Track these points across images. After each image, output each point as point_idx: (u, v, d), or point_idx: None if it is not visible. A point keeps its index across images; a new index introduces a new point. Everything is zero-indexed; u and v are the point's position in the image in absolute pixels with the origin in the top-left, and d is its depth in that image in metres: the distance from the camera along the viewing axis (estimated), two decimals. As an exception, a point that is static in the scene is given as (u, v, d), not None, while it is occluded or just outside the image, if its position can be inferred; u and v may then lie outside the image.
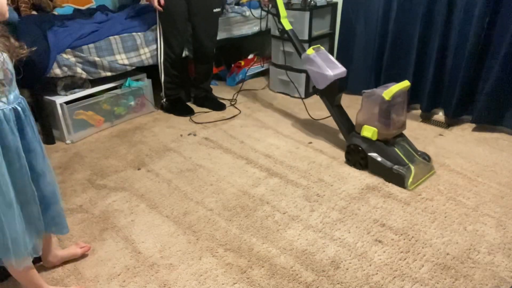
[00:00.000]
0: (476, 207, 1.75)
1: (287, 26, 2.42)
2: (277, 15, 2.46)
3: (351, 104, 2.91)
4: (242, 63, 3.36)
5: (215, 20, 2.68)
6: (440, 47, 2.44)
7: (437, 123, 2.57)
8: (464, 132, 2.45)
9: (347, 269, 1.44)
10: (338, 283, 1.39)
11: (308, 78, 2.98)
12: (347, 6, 2.85)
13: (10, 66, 1.06)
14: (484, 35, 2.28)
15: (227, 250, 1.54)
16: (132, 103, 2.69)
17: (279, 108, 2.86)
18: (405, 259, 1.48)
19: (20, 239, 1.14)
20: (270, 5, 2.65)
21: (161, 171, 2.09)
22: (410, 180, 1.89)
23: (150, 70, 2.79)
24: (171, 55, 2.63)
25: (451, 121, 2.55)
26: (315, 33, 2.89)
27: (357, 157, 2.05)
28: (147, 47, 2.64)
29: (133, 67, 2.60)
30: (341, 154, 2.20)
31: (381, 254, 1.51)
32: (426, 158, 2.04)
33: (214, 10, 2.61)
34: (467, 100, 2.46)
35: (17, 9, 2.55)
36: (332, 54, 3.12)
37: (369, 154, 1.99)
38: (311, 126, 2.56)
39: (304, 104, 2.75)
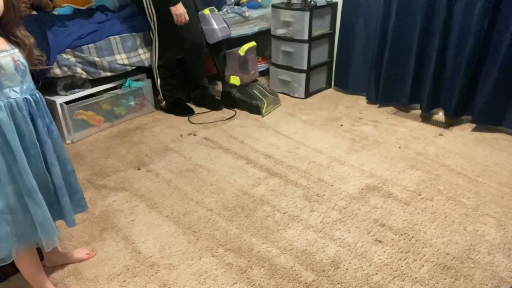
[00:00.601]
0: (476, 207, 1.75)
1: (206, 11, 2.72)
2: None
3: (351, 104, 2.92)
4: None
5: (196, 15, 2.68)
6: (440, 47, 2.44)
7: (437, 123, 2.57)
8: (464, 132, 2.45)
9: (347, 269, 1.44)
10: (338, 283, 1.39)
11: (308, 79, 2.99)
12: (347, 6, 2.85)
13: (21, 59, 1.12)
14: (484, 35, 2.28)
15: (227, 250, 1.54)
16: (132, 103, 2.69)
17: (279, 108, 2.86)
18: (405, 259, 1.48)
19: (47, 222, 1.18)
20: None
21: (161, 171, 2.09)
22: (264, 109, 2.71)
23: (150, 70, 2.79)
24: (166, 60, 2.64)
25: (451, 121, 2.55)
26: (315, 33, 2.89)
27: (228, 99, 2.83)
28: (147, 47, 2.64)
29: (133, 67, 2.60)
30: (341, 154, 2.20)
31: (381, 254, 1.51)
32: (275, 94, 2.91)
33: (191, 6, 2.62)
34: (467, 100, 2.46)
35: (17, 9, 2.55)
36: (332, 54, 3.12)
37: (236, 95, 2.79)
38: (311, 126, 2.56)
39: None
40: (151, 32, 2.59)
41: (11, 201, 1.11)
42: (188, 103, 2.90)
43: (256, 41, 2.90)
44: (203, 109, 2.84)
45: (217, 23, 2.65)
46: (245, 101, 2.73)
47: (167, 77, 2.72)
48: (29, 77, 1.15)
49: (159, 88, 2.76)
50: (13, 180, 1.11)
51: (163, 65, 2.66)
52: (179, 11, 2.40)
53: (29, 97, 1.14)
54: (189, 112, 2.78)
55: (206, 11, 2.64)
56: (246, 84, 2.77)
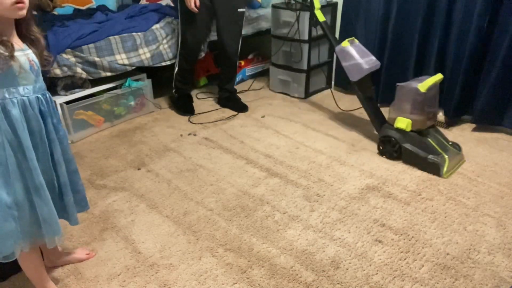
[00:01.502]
0: (476, 207, 1.75)
1: (321, 18, 2.46)
2: (311, 6, 2.51)
3: (351, 104, 2.91)
4: (242, 63, 3.36)
5: (240, 20, 2.67)
6: (440, 47, 2.44)
7: (437, 123, 2.57)
8: (464, 132, 2.45)
9: (347, 269, 1.44)
10: (338, 283, 1.39)
11: (308, 79, 2.99)
12: (347, 6, 2.85)
13: (35, 59, 1.14)
14: (484, 35, 2.28)
15: (227, 250, 1.54)
16: (132, 103, 2.69)
17: (279, 108, 2.86)
18: (405, 259, 1.48)
19: (53, 218, 1.20)
20: None
21: (161, 171, 2.09)
22: (445, 168, 1.97)
23: (150, 70, 2.79)
24: (184, 50, 2.66)
25: (451, 121, 2.55)
26: (315, 33, 2.89)
27: (390, 148, 2.12)
28: (147, 47, 2.64)
29: (133, 67, 2.60)
30: (341, 154, 2.20)
31: (381, 254, 1.51)
32: (457, 147, 2.13)
33: (239, 10, 2.61)
34: (467, 100, 2.46)
35: (17, 9, 2.55)
36: (332, 54, 3.12)
37: (403, 144, 2.06)
38: (311, 126, 2.56)
39: (333, 97, 2.74)
40: (179, 20, 2.63)
41: (19, 197, 1.13)
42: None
43: (256, 41, 2.89)
44: (203, 109, 2.84)
45: (360, 56, 2.22)
46: (417, 154, 2.02)
47: (184, 69, 2.73)
48: (41, 77, 1.18)
49: (174, 76, 2.78)
50: (22, 176, 1.13)
51: (183, 54, 2.68)
52: None
53: (40, 96, 1.16)
54: (189, 112, 2.79)
55: (345, 43, 2.25)
56: (420, 130, 2.05)
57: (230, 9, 2.57)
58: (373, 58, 2.24)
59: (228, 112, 2.80)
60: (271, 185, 1.94)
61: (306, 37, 2.84)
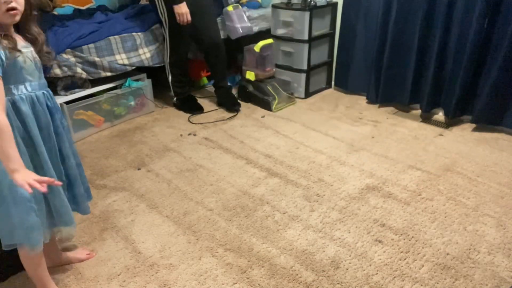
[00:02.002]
0: (476, 207, 1.75)
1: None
2: None
3: (351, 104, 2.92)
4: (242, 63, 3.36)
5: (214, 14, 2.71)
6: (440, 47, 2.44)
7: (437, 123, 2.57)
8: (464, 132, 2.45)
9: (347, 269, 1.44)
10: (338, 283, 1.39)
11: (308, 79, 2.99)
12: (347, 6, 2.85)
13: (36, 55, 1.17)
14: (484, 35, 2.28)
15: (227, 250, 1.54)
16: (132, 103, 2.69)
17: (279, 108, 2.86)
18: (405, 259, 1.48)
19: (65, 209, 1.23)
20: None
21: (161, 171, 2.09)
22: (274, 106, 2.78)
23: (150, 70, 2.79)
24: (177, 58, 2.66)
25: (451, 121, 2.55)
26: (315, 33, 2.89)
27: (244, 93, 2.92)
28: (147, 47, 2.64)
29: (133, 67, 2.60)
30: (341, 154, 2.20)
31: (381, 254, 1.51)
32: (290, 93, 2.95)
33: (209, 5, 2.63)
34: (467, 100, 2.46)
35: (17, 9, 2.55)
36: (332, 54, 3.12)
37: (249, 90, 2.89)
38: (311, 126, 2.56)
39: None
40: (163, 28, 2.60)
41: (35, 191, 1.13)
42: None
43: (256, 41, 2.90)
44: (209, 108, 2.84)
45: (238, 19, 2.82)
46: (257, 96, 2.83)
47: (178, 74, 2.74)
48: (43, 73, 1.21)
49: (170, 85, 2.79)
50: (36, 171, 1.14)
51: (174, 62, 2.68)
52: (181, 10, 2.40)
53: (46, 92, 1.20)
54: (198, 110, 2.80)
55: (230, 8, 2.81)
56: (261, 80, 2.85)
57: (208, 6, 2.60)
58: (247, 22, 2.89)
59: (227, 112, 2.80)
60: (271, 185, 1.94)
61: (306, 37, 2.84)
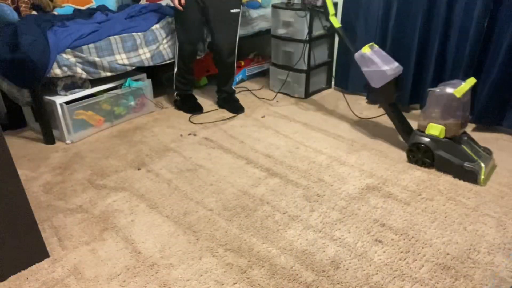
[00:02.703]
0: (476, 207, 1.75)
1: (336, 24, 2.40)
2: (325, 12, 2.45)
3: (351, 104, 2.92)
4: (242, 63, 3.36)
5: (234, 21, 2.63)
6: (440, 47, 2.44)
7: (437, 123, 2.57)
8: (464, 132, 2.45)
9: (347, 269, 1.44)
10: (338, 283, 1.38)
11: (308, 79, 2.99)
12: (347, 6, 2.85)
13: None
14: (484, 35, 2.28)
15: (227, 250, 1.54)
16: (132, 103, 2.69)
17: (279, 108, 2.86)
18: (405, 259, 1.48)
19: None
20: (315, 2, 2.68)
21: (161, 171, 2.09)
22: (482, 176, 1.91)
23: (150, 70, 2.79)
24: (181, 51, 2.67)
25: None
26: (315, 33, 2.89)
27: (421, 155, 2.06)
28: (147, 47, 2.64)
29: (133, 67, 2.60)
30: (341, 154, 2.20)
31: (381, 254, 1.51)
32: (488, 152, 2.07)
33: (232, 11, 2.58)
34: (467, 100, 2.46)
35: (17, 9, 2.55)
36: (332, 54, 3.12)
37: (436, 152, 2.00)
38: (311, 126, 2.56)
39: (346, 101, 2.74)
40: (174, 21, 2.65)
41: None
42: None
43: (256, 41, 2.88)
44: (209, 108, 2.84)
45: (382, 61, 2.15)
46: (451, 162, 1.97)
47: (183, 69, 2.74)
48: None
49: (174, 78, 2.80)
50: None
51: (181, 56, 2.69)
52: None
53: None
54: (198, 110, 2.81)
55: (365, 49, 2.19)
56: (452, 137, 1.99)
57: (222, 10, 2.56)
58: (396, 63, 2.17)
59: (228, 112, 2.80)
60: (271, 185, 1.94)
61: (306, 37, 2.84)
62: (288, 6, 2.88)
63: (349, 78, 3.04)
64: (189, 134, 2.49)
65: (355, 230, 1.63)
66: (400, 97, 2.19)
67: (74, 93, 2.41)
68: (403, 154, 2.19)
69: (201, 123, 2.64)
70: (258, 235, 1.62)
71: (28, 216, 1.42)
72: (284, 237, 1.61)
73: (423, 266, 1.45)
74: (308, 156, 2.20)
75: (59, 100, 2.34)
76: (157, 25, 2.68)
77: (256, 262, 1.48)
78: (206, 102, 2.97)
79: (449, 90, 1.91)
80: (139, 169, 2.12)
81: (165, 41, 2.71)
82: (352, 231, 1.63)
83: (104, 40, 2.43)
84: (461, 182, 1.93)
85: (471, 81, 1.97)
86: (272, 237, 1.61)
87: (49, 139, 2.41)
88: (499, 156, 2.15)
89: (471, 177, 1.93)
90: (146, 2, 3.10)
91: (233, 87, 2.90)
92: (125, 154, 2.27)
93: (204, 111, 2.83)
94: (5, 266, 1.41)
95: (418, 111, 2.72)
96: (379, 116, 2.64)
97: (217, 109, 2.86)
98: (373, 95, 2.16)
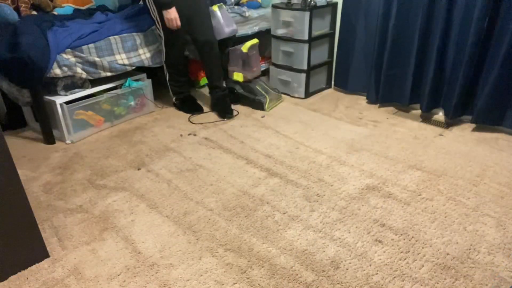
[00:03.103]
0: (476, 207, 1.75)
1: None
2: None
3: (351, 104, 2.92)
4: (242, 63, 3.36)
5: (208, 14, 2.67)
6: (440, 47, 2.44)
7: (437, 123, 2.57)
8: (464, 132, 2.45)
9: (347, 269, 1.44)
10: (338, 283, 1.38)
11: (308, 79, 2.99)
12: (347, 6, 2.85)
13: None
14: (484, 35, 2.28)
15: (227, 250, 1.54)
16: (132, 103, 2.69)
17: (279, 108, 2.86)
18: (405, 259, 1.48)
19: None
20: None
21: (161, 171, 2.09)
22: (267, 105, 2.78)
23: (150, 70, 2.79)
24: (173, 58, 2.66)
25: (451, 121, 2.55)
26: (315, 33, 2.89)
27: (233, 95, 2.87)
28: (147, 47, 2.64)
29: (133, 67, 2.60)
30: (341, 154, 2.20)
31: (381, 254, 1.51)
32: (277, 91, 2.95)
33: (205, 4, 2.64)
34: (467, 100, 2.47)
35: (17, 9, 2.55)
36: (332, 54, 3.12)
37: (238, 91, 2.86)
38: (311, 126, 2.56)
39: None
40: (156, 29, 2.61)
41: None
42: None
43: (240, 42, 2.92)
44: (209, 108, 2.84)
45: (224, 20, 2.71)
46: (248, 97, 2.80)
47: (175, 73, 2.75)
48: None
49: (168, 84, 2.80)
50: None
51: (169, 61, 2.68)
52: (170, 15, 2.40)
53: None
54: (198, 110, 2.81)
55: (215, 8, 2.71)
56: (249, 80, 2.87)
57: (202, 6, 2.59)
58: (233, 23, 2.79)
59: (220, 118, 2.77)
60: (271, 185, 1.94)
61: (306, 37, 2.84)
62: (288, 6, 2.88)
63: (349, 78, 3.04)
64: (189, 134, 2.49)
65: (355, 230, 1.63)
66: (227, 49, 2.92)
67: (74, 93, 2.41)
68: (403, 154, 2.19)
69: (201, 123, 2.64)
70: (258, 235, 1.62)
71: (28, 216, 1.42)
72: (284, 237, 1.61)
73: (423, 266, 1.45)
74: (308, 156, 2.20)
75: (59, 100, 2.34)
76: (159, 29, 2.68)
77: (256, 262, 1.48)
78: (206, 102, 2.97)
79: (239, 46, 2.81)
80: (139, 169, 2.12)
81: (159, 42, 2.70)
82: (352, 231, 1.63)
83: (104, 40, 2.43)
84: (461, 181, 1.93)
85: (253, 40, 2.84)
86: (272, 237, 1.61)
87: (49, 139, 2.41)
88: (499, 156, 2.15)
89: (259, 105, 2.79)
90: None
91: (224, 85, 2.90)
92: (125, 154, 2.27)
93: (204, 111, 2.83)
94: (5, 266, 1.41)
95: (419, 111, 2.72)
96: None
97: (217, 109, 2.86)
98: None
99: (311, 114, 2.75)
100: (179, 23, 2.44)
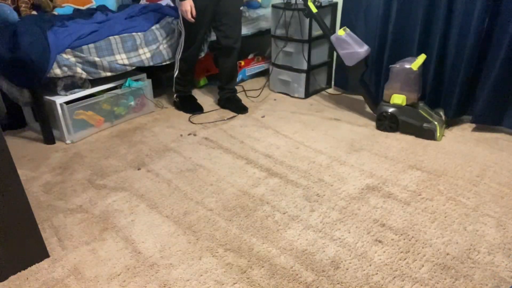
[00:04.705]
0: (476, 207, 1.75)
1: (314, 9, 2.61)
2: None
3: (351, 104, 2.92)
4: (242, 63, 3.36)
5: (240, 18, 2.71)
6: (440, 47, 2.44)
7: (437, 123, 2.57)
8: (464, 132, 2.45)
9: (347, 269, 1.44)
10: (338, 283, 1.38)
11: (308, 79, 2.99)
12: (347, 6, 2.85)
13: None
14: (484, 35, 2.28)
15: (227, 250, 1.54)
16: (132, 103, 2.69)
17: (279, 108, 2.86)
18: (405, 259, 1.48)
19: None
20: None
21: (161, 171, 2.09)
22: (438, 133, 2.32)
23: (150, 70, 2.79)
24: (189, 55, 2.66)
25: (451, 121, 2.55)
26: (315, 33, 2.89)
27: (388, 122, 2.44)
28: (147, 47, 2.64)
29: (133, 67, 2.60)
30: (341, 154, 2.20)
31: (381, 254, 1.51)
32: (439, 114, 2.46)
33: (241, 8, 2.66)
34: (467, 100, 2.46)
35: (17, 9, 2.55)
36: (332, 54, 3.12)
37: (400, 117, 2.39)
38: (311, 126, 2.56)
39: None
40: (179, 25, 2.62)
41: None
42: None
43: (256, 41, 2.88)
44: (209, 108, 2.84)
45: (355, 42, 2.47)
46: (413, 124, 2.35)
47: (185, 71, 2.74)
48: None
49: (174, 80, 2.79)
50: None
51: (185, 58, 2.68)
52: (184, 7, 2.40)
53: None
54: (198, 110, 2.81)
55: (341, 32, 2.48)
56: (412, 104, 2.38)
57: (235, 8, 2.60)
58: (366, 46, 2.49)
59: (228, 112, 2.80)
60: (271, 185, 1.94)
61: (306, 37, 2.84)
62: (288, 6, 2.88)
63: (349, 78, 3.03)
64: (189, 134, 2.49)
65: (355, 230, 1.63)
66: (366, 73, 2.64)
67: (74, 93, 2.41)
68: (403, 154, 2.19)
69: (201, 123, 2.64)
70: (258, 235, 1.62)
71: (28, 216, 1.42)
72: (284, 237, 1.61)
73: (423, 266, 1.45)
74: (308, 156, 2.20)
75: (59, 100, 2.34)
76: (157, 25, 2.68)
77: (256, 262, 1.48)
78: (206, 102, 2.97)
79: (407, 65, 2.32)
80: (139, 169, 2.12)
81: (165, 41, 2.71)
82: (352, 231, 1.63)
83: (104, 40, 2.43)
84: (461, 181, 1.93)
85: (423, 56, 2.37)
86: (272, 237, 1.61)
87: (49, 139, 2.41)
88: (499, 156, 2.15)
89: (429, 135, 2.34)
90: (146, 2, 3.10)
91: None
92: (125, 154, 2.27)
93: (204, 111, 2.83)
94: (5, 266, 1.41)
95: (418, 111, 2.72)
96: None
97: (217, 109, 2.85)
98: (347, 72, 2.60)
99: (311, 114, 2.75)
100: (190, 16, 2.43)
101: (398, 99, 2.37)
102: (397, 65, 2.34)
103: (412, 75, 2.30)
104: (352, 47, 2.45)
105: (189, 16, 2.42)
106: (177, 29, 2.69)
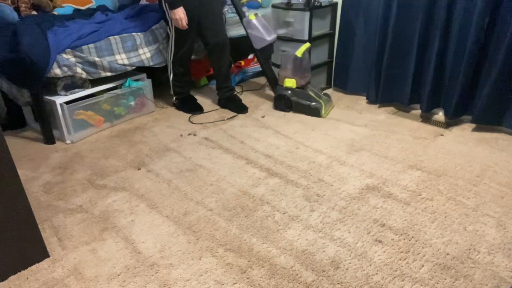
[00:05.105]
0: (476, 207, 1.75)
1: None
2: None
3: (351, 104, 2.92)
4: (242, 63, 3.36)
5: (221, 12, 2.71)
6: (440, 47, 2.44)
7: (437, 123, 2.57)
8: (464, 132, 2.45)
9: (347, 269, 1.44)
10: (338, 283, 1.38)
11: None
12: (347, 6, 2.85)
13: None
14: (484, 35, 2.28)
15: (227, 250, 1.54)
16: (132, 103, 2.69)
17: (327, 113, 2.86)
18: (405, 259, 1.48)
19: None
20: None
21: (161, 171, 2.09)
22: (323, 111, 2.67)
23: (150, 70, 2.79)
24: (180, 57, 2.66)
25: (451, 121, 2.55)
26: (315, 33, 2.89)
27: (283, 102, 2.78)
28: (147, 47, 2.64)
29: (133, 67, 2.60)
30: (341, 154, 2.20)
31: (381, 254, 1.51)
32: (328, 96, 2.84)
33: (220, 6, 2.67)
34: (467, 100, 2.46)
35: (17, 9, 2.55)
36: (332, 54, 3.12)
37: (292, 98, 2.74)
38: (311, 126, 2.56)
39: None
40: (168, 27, 2.61)
41: None
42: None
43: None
44: (209, 108, 2.84)
45: (263, 28, 2.69)
46: (303, 104, 2.69)
47: (180, 73, 2.74)
48: None
49: (171, 83, 2.79)
50: None
51: (177, 61, 2.68)
52: (176, 16, 2.40)
53: None
54: (198, 110, 2.81)
55: (251, 16, 2.68)
56: (302, 86, 2.72)
57: (216, 5, 2.61)
58: (273, 32, 2.73)
59: (228, 112, 2.80)
60: (271, 185, 1.94)
61: (306, 37, 2.84)
62: (288, 6, 2.88)
63: (349, 78, 3.04)
64: (189, 134, 2.49)
65: (355, 230, 1.63)
66: (270, 56, 3.00)
67: (74, 93, 2.42)
68: (403, 154, 2.19)
69: (201, 123, 2.64)
70: (258, 235, 1.62)
71: (28, 216, 1.42)
72: (284, 237, 1.61)
73: (423, 266, 1.45)
74: (308, 156, 2.20)
75: (59, 100, 2.34)
76: (157, 25, 2.68)
77: (256, 262, 1.48)
78: (206, 102, 2.97)
79: (293, 52, 2.65)
80: (139, 169, 2.12)
81: (165, 41, 2.71)
82: (352, 231, 1.63)
83: (104, 40, 2.43)
84: (461, 181, 1.93)
85: (306, 44, 2.68)
86: (272, 237, 1.61)
87: (49, 139, 2.41)
88: (499, 156, 2.15)
89: (316, 112, 2.68)
90: (146, 2, 3.10)
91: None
92: (125, 154, 2.27)
93: (204, 111, 2.83)
94: (5, 266, 1.41)
95: (419, 111, 2.72)
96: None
97: (217, 109, 2.86)
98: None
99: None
100: (185, 23, 2.43)
101: (290, 82, 2.71)
102: (285, 53, 2.74)
103: (298, 61, 2.65)
104: (261, 32, 2.68)
105: (184, 23, 2.43)
106: (167, 32, 2.67)
